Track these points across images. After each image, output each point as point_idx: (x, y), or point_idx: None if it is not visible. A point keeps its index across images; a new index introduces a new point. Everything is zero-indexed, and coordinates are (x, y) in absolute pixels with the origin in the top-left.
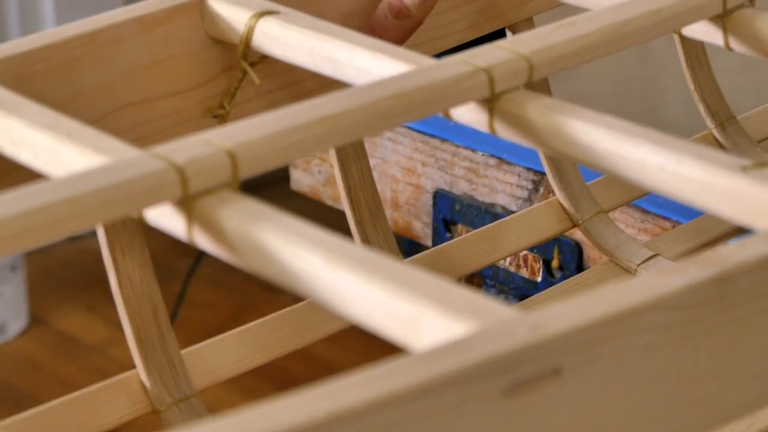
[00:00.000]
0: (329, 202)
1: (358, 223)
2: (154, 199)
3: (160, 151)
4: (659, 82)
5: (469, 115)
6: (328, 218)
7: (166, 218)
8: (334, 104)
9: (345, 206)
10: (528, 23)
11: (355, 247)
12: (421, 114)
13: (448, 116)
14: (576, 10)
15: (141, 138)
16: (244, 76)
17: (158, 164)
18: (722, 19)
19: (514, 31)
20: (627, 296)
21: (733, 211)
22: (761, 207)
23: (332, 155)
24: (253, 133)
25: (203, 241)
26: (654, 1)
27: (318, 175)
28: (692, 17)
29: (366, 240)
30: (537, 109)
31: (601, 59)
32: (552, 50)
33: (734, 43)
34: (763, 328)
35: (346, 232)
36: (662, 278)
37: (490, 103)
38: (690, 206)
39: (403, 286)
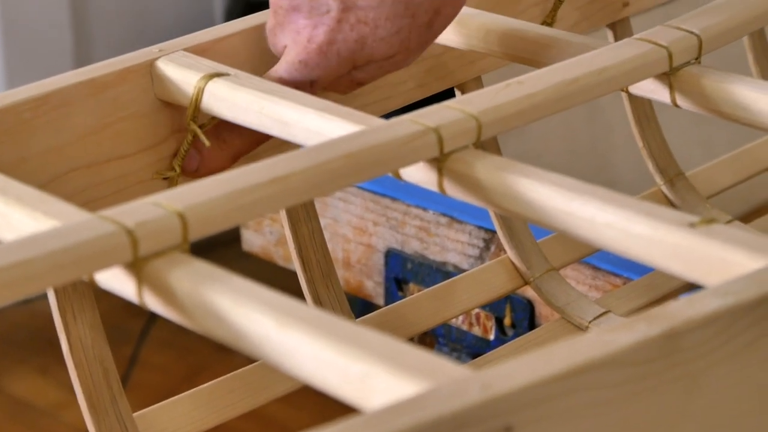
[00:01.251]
0: (281, 263)
1: (310, 283)
2: (105, 263)
3: (109, 214)
4: (609, 139)
5: (418, 174)
6: (280, 279)
7: (117, 281)
8: (284, 165)
9: (296, 266)
10: (476, 82)
11: (306, 308)
12: (371, 174)
13: (397, 176)
14: (524, 69)
15: (91, 201)
16: (194, 138)
17: (108, 227)
18: (669, 76)
19: (463, 91)
20: (577, 353)
21: (681, 268)
22: (709, 263)
23: (283, 216)
24: (203, 195)
25: (154, 304)
26: (601, 60)
27: (269, 236)
28: (639, 75)
29: (318, 300)
30: (486, 168)
31: (550, 117)
32: (500, 109)
33: (681, 101)
34: (712, 383)
35: (298, 292)
36: (612, 335)
37: (440, 162)
38: (640, 263)
39: (353, 347)
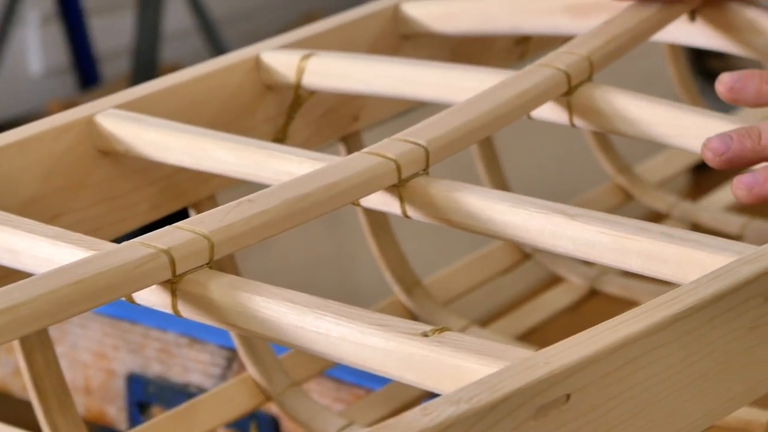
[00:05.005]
0: (18, 394)
1: (47, 413)
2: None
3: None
4: (350, 250)
5: (151, 298)
6: (18, 410)
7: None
8: (13, 295)
9: (32, 397)
10: (211, 201)
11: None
12: (103, 300)
13: (131, 300)
14: (257, 187)
15: None
16: None
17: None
18: (398, 188)
19: (198, 210)
20: None
21: (416, 377)
22: (442, 371)
23: (16, 346)
24: None
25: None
26: (331, 175)
27: (5, 367)
28: (369, 188)
29: (55, 430)
30: (220, 288)
31: (292, 230)
32: (232, 228)
33: (411, 212)
34: None
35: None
36: None
37: (173, 284)
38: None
39: None
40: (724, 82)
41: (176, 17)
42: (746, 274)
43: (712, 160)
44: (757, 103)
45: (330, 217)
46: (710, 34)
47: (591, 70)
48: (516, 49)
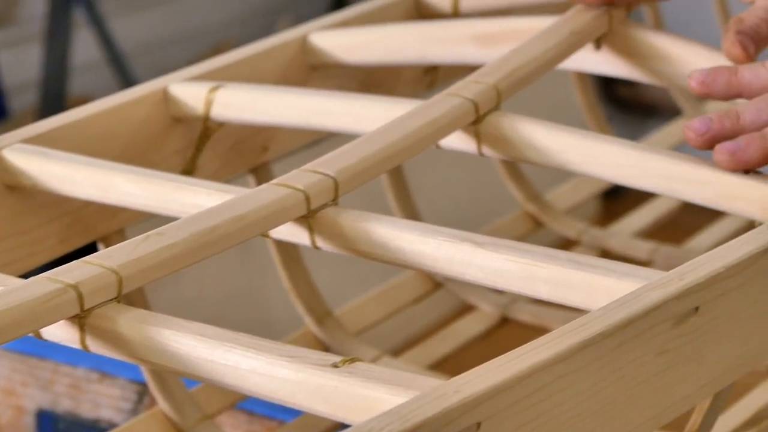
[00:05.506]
0: None
1: None
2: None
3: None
4: (261, 282)
5: (60, 333)
6: None
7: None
8: None
9: None
10: (120, 235)
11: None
12: (11, 336)
13: (39, 336)
14: (167, 220)
15: None
16: None
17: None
18: (308, 219)
19: (106, 244)
20: None
21: (327, 408)
22: (353, 401)
23: None
24: None
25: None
26: (240, 207)
27: None
28: (278, 220)
29: None
30: (128, 322)
31: (204, 262)
32: (140, 262)
33: (320, 242)
34: None
35: None
36: None
37: (81, 319)
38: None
39: None
40: (695, 78)
41: (85, 49)
42: (653, 300)
43: (694, 141)
44: (728, 95)
45: (241, 249)
46: (616, 62)
47: (498, 99)
48: (425, 78)
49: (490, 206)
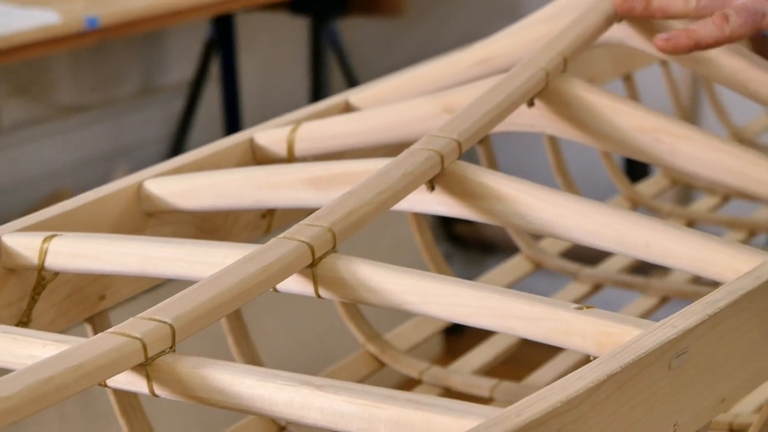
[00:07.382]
0: None
1: None
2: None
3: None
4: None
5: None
6: None
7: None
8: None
9: None
10: None
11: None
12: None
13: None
14: (1, 373)
15: None
16: None
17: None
18: (145, 367)
19: None
20: None
21: None
22: None
23: None
24: None
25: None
26: (76, 357)
27: None
28: (115, 369)
29: None
30: None
31: (43, 414)
32: None
33: (159, 390)
34: None
35: None
36: None
37: None
38: None
39: None
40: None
41: None
42: None
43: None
44: (690, 41)
45: (82, 398)
46: (450, 203)
47: (334, 241)
48: (262, 222)
49: (333, 347)
